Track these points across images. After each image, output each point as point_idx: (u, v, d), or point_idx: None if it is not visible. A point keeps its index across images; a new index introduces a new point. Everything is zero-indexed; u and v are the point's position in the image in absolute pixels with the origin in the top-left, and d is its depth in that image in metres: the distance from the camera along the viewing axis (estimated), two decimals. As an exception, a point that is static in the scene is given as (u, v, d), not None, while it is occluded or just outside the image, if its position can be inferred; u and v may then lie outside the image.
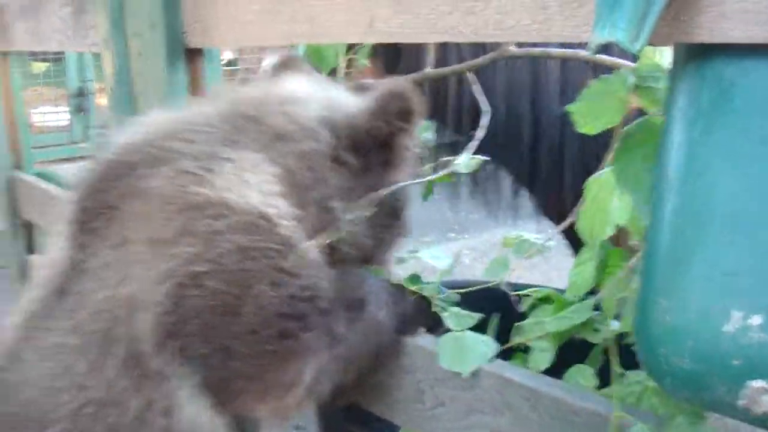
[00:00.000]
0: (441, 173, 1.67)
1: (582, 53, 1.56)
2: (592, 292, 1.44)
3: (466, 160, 1.67)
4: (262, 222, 1.29)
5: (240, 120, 1.39)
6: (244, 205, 1.29)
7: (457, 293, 1.54)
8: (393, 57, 2.61)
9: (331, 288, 1.35)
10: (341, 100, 1.47)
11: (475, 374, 1.35)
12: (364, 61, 2.08)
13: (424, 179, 1.67)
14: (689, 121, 0.95)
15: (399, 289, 1.49)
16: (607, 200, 1.27)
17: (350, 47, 2.03)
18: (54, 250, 1.42)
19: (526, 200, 3.04)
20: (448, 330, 1.42)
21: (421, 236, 6.54)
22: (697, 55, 0.94)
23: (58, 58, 8.12)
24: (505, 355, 1.44)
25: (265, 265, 1.27)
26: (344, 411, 1.99)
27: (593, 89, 1.32)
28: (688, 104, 0.95)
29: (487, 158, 1.70)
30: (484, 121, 1.77)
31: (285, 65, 1.61)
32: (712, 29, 0.89)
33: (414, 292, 1.50)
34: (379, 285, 1.46)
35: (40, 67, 8.38)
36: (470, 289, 1.55)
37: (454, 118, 2.63)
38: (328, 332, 1.32)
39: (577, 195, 2.21)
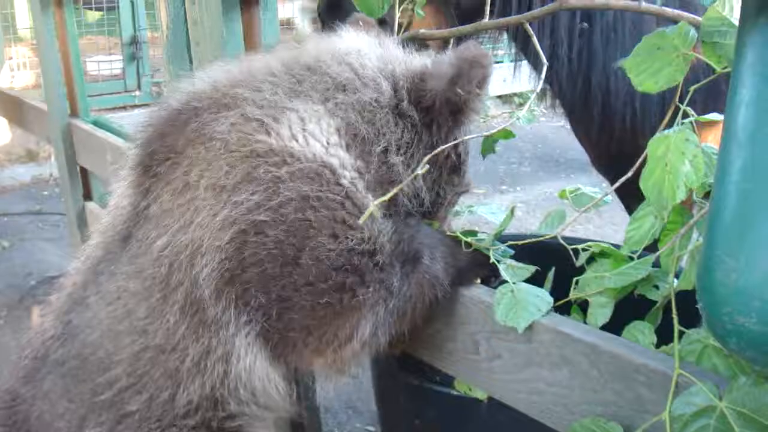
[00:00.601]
0: (502, 127, 1.66)
1: (644, 5, 1.52)
2: (649, 249, 1.42)
3: (526, 114, 1.65)
4: (325, 171, 1.31)
5: (302, 71, 1.39)
6: (307, 154, 1.30)
7: (513, 246, 1.54)
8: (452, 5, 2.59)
9: (389, 242, 1.35)
10: (401, 55, 1.47)
11: (533, 328, 1.35)
12: (420, 11, 2.05)
13: (486, 133, 1.65)
14: (759, 77, 0.92)
15: (454, 241, 1.49)
16: (677, 162, 1.24)
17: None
18: (117, 196, 1.43)
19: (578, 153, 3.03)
20: (504, 282, 1.42)
21: (474, 189, 6.47)
22: (764, 8, 0.91)
23: (111, 6, 8.16)
24: (562, 309, 1.44)
25: (326, 216, 1.28)
26: (398, 359, 2.00)
27: (649, 43, 1.29)
28: (757, 59, 0.93)
29: (544, 110, 1.68)
30: (543, 74, 1.75)
31: (354, 24, 1.61)
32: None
33: (469, 245, 1.49)
34: (435, 237, 1.46)
35: (94, 15, 8.44)
36: (527, 241, 1.54)
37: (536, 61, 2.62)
38: (385, 287, 1.33)
39: (635, 150, 2.19)
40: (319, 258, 1.27)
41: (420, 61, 1.46)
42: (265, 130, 1.31)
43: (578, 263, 1.51)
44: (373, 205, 1.31)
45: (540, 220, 1.68)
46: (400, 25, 2.04)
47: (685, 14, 1.42)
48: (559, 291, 1.49)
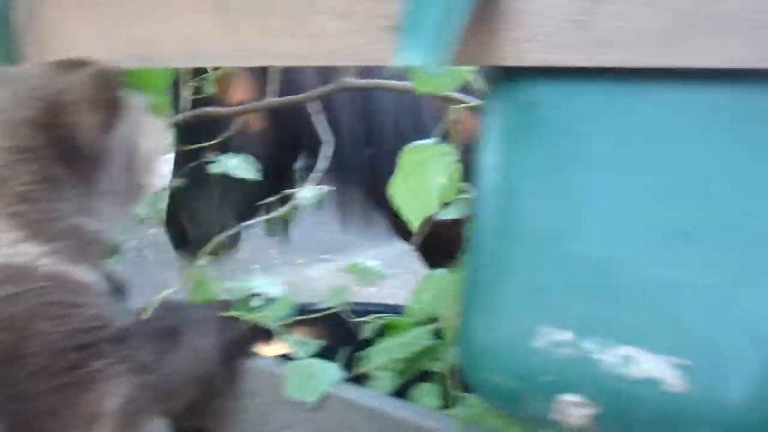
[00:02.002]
0: (282, 210, 1.68)
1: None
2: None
3: (309, 193, 1.68)
4: (15, 272, 1.26)
5: None
6: None
7: (303, 319, 1.55)
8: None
9: (136, 319, 1.35)
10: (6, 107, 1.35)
11: (321, 396, 1.35)
12: (211, 89, 2.05)
13: (266, 217, 1.68)
14: (499, 143, 0.97)
15: (228, 316, 1.48)
16: (433, 174, 1.22)
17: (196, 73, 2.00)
18: None
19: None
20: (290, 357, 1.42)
21: (294, 258, 6.53)
22: (502, 78, 0.96)
23: None
24: (359, 381, 1.45)
25: (36, 304, 1.23)
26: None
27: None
28: (497, 126, 0.97)
29: (331, 188, 1.71)
30: (327, 151, 1.79)
31: None
32: (513, 52, 0.91)
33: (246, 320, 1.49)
34: (203, 313, 1.44)
35: None
36: (314, 315, 1.55)
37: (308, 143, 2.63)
38: (131, 359, 1.29)
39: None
40: (44, 342, 1.22)
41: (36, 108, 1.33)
42: None
43: (364, 335, 1.53)
44: (79, 274, 1.29)
45: (359, 287, 1.71)
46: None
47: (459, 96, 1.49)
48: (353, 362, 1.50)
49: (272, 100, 1.88)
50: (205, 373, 1.39)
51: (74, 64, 1.37)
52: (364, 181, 2.67)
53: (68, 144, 1.31)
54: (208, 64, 1.30)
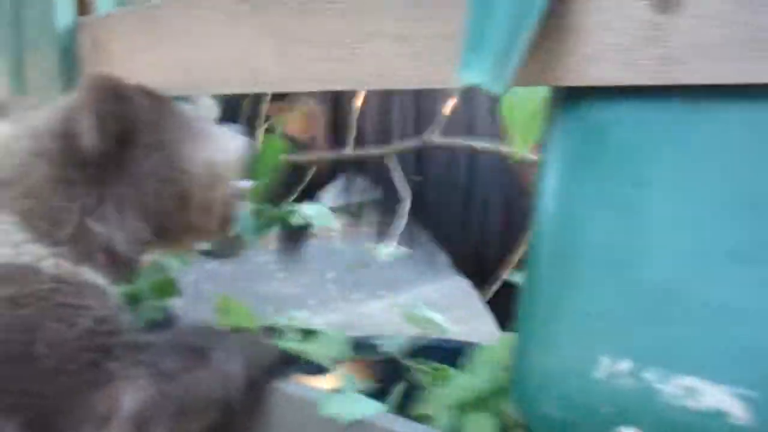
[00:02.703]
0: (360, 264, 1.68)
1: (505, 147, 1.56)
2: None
3: (388, 250, 1.67)
4: (19, 272, 1.25)
5: None
6: None
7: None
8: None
9: (159, 334, 1.34)
10: (46, 120, 1.37)
11: (362, 428, 1.31)
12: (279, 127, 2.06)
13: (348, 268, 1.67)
14: (561, 166, 0.94)
15: (258, 339, 1.46)
16: None
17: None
18: None
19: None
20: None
21: (351, 293, 6.53)
22: (567, 98, 0.94)
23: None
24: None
25: (43, 305, 1.23)
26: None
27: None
28: (559, 149, 0.95)
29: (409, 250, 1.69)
30: (404, 209, 1.78)
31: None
32: (579, 71, 0.88)
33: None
34: (234, 338, 1.42)
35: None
36: (374, 359, 1.53)
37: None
38: (148, 365, 1.27)
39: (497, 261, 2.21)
40: (55, 344, 1.21)
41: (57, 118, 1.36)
42: None
43: (418, 380, 1.50)
44: (88, 276, 1.28)
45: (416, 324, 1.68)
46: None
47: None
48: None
49: (348, 153, 1.87)
50: (228, 398, 1.36)
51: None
52: (429, 220, 2.66)
53: (80, 152, 1.31)
54: (265, 90, 1.30)
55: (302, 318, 1.57)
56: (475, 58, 0.86)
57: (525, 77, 0.91)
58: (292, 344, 1.48)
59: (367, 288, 6.64)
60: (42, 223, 1.29)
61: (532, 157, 1.59)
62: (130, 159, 1.35)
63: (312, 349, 1.48)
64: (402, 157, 2.35)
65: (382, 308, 6.18)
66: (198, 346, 1.35)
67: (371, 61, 1.11)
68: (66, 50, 1.77)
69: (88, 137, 1.30)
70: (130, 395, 1.24)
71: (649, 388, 0.84)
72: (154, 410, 1.26)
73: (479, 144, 1.93)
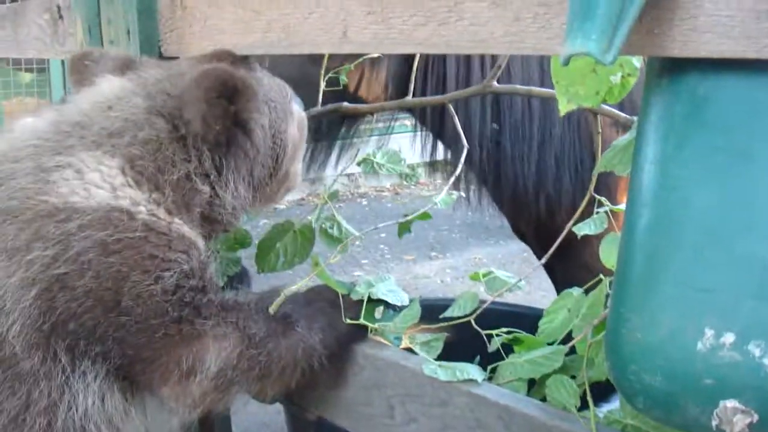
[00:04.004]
0: (419, 212, 1.68)
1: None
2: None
3: (445, 197, 1.67)
4: (114, 214, 1.28)
5: (69, 127, 1.37)
6: (92, 204, 1.28)
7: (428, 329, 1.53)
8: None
9: (246, 295, 1.38)
10: (168, 83, 1.44)
11: (448, 390, 1.33)
12: (344, 78, 2.07)
13: (401, 220, 1.68)
14: (662, 136, 0.93)
15: (334, 309, 1.48)
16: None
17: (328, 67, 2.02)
18: None
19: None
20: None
21: (403, 254, 6.55)
22: (670, 69, 0.93)
23: (41, 68, 8.07)
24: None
25: (131, 255, 1.26)
26: (315, 426, 1.96)
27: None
28: (660, 118, 0.94)
29: (463, 195, 1.69)
30: (463, 157, 1.78)
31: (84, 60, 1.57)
32: (684, 43, 0.88)
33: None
34: (317, 305, 1.46)
35: (25, 77, 8.34)
36: (442, 325, 1.53)
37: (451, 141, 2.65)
38: (235, 326, 1.32)
39: (553, 227, 2.20)
40: (141, 296, 1.25)
41: (180, 85, 1.43)
42: (42, 191, 1.28)
43: (491, 349, 1.50)
44: (180, 228, 1.33)
45: (467, 287, 1.69)
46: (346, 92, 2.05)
47: (608, 109, 1.46)
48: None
49: (412, 99, 1.87)
50: (309, 366, 1.40)
51: (206, 59, 1.45)
52: (489, 181, 2.66)
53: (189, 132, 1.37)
54: (355, 51, 1.29)
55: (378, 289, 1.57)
56: (583, 27, 0.85)
57: (628, 47, 0.90)
58: (368, 320, 1.50)
59: (419, 249, 6.65)
60: (147, 168, 1.32)
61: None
62: (241, 134, 1.41)
63: (391, 325, 1.50)
64: (481, 106, 2.35)
65: (436, 269, 6.21)
66: (283, 314, 1.39)
67: (468, 26, 1.11)
68: (144, 5, 1.78)
69: (198, 125, 1.35)
70: (215, 354, 1.29)
71: (753, 362, 0.84)
72: (235, 371, 1.31)
73: (538, 90, 1.92)
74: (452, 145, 2.69)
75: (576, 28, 0.85)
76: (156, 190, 1.33)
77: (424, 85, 2.49)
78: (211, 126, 1.35)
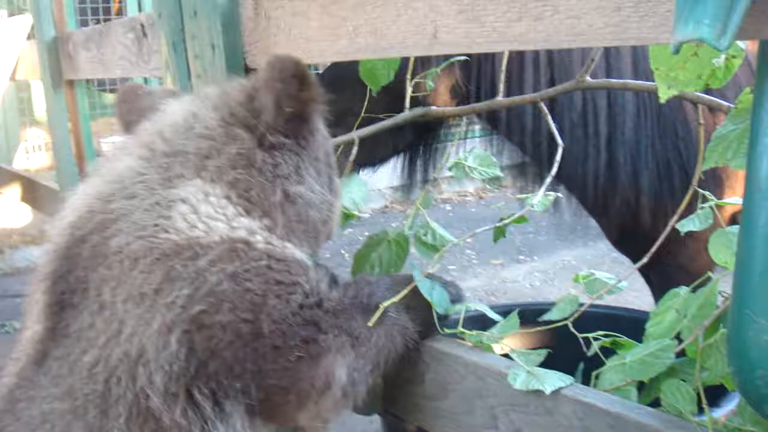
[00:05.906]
0: (515, 215, 1.65)
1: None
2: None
3: (542, 199, 1.64)
4: (237, 246, 1.29)
5: (163, 158, 1.36)
6: (214, 238, 1.28)
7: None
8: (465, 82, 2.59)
9: (336, 291, 1.39)
10: (231, 94, 1.44)
11: (554, 399, 1.28)
12: (431, 83, 2.04)
13: (498, 224, 1.65)
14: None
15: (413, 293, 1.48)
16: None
17: (415, 70, 1.99)
18: (30, 322, 1.38)
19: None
20: None
21: (491, 259, 6.50)
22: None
23: (125, 88, 8.26)
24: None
25: (261, 283, 1.27)
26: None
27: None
28: (779, 105, 0.88)
29: (560, 195, 1.65)
30: (558, 156, 1.73)
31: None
32: (805, 23, 0.82)
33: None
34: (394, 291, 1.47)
35: (108, 98, 8.55)
36: (539, 329, 1.52)
37: (531, 145, 2.60)
38: (346, 332, 1.34)
39: (645, 228, 2.13)
40: (277, 320, 1.26)
41: (238, 85, 1.45)
42: (162, 229, 1.28)
43: (589, 353, 1.46)
44: (293, 251, 1.35)
45: (557, 289, 1.66)
46: (415, 99, 2.02)
47: (706, 97, 1.41)
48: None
49: (501, 99, 1.83)
50: (403, 348, 1.45)
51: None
52: (578, 184, 2.61)
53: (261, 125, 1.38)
54: (447, 52, 1.26)
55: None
56: (694, 11, 0.80)
57: (743, 32, 0.85)
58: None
59: (507, 253, 6.59)
60: (250, 192, 1.34)
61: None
62: (308, 133, 1.42)
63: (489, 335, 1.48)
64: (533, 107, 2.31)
65: (524, 273, 6.13)
66: (373, 304, 1.41)
67: (564, 19, 1.07)
68: (227, 18, 1.78)
69: (269, 113, 1.36)
70: (342, 365, 1.32)
71: None
72: (357, 374, 1.34)
73: (634, 83, 1.86)
74: (530, 146, 2.64)
75: (687, 13, 0.80)
76: (265, 216, 1.35)
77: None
78: (282, 108, 1.36)
